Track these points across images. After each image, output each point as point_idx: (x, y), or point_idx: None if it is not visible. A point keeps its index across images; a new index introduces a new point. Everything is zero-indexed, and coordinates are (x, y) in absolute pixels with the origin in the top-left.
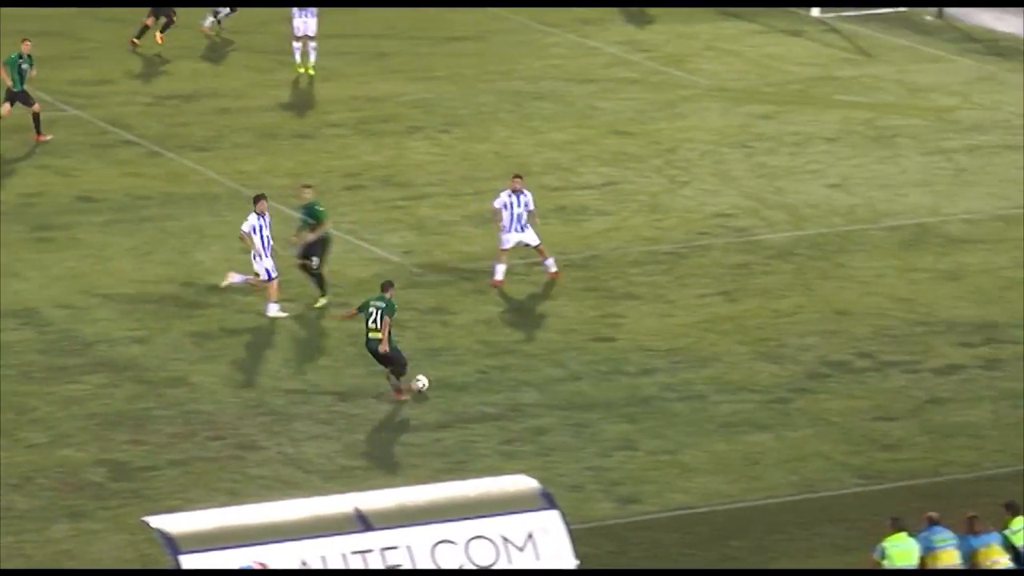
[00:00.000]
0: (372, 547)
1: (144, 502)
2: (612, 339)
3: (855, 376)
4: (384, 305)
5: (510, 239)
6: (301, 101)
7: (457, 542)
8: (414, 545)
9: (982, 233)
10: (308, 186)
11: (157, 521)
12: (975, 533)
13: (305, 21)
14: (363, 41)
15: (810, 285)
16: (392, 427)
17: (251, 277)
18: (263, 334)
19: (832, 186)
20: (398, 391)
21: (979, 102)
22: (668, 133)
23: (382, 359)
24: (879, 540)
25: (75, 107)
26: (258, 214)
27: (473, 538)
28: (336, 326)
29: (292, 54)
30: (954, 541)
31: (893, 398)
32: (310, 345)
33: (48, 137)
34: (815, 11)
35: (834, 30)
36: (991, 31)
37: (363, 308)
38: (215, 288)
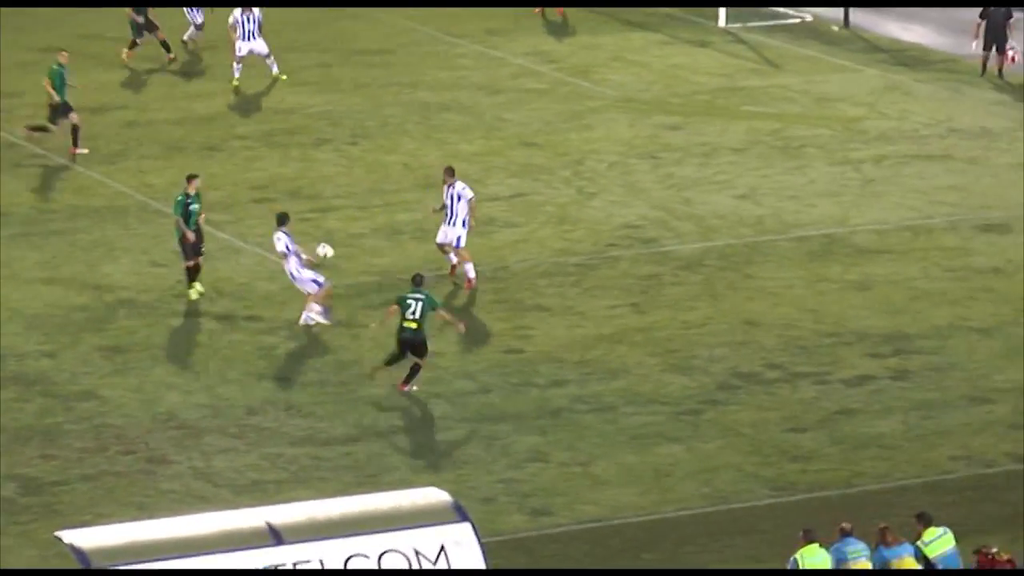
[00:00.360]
0: (284, 561)
1: (55, 517)
2: (521, 351)
3: (765, 387)
4: (424, 297)
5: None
6: (208, 114)
7: (370, 556)
8: (326, 559)
9: (890, 244)
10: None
11: (69, 536)
12: (887, 545)
13: (251, 44)
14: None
15: (719, 296)
16: (303, 441)
17: (315, 306)
18: (174, 347)
19: (740, 197)
20: (405, 383)
21: (886, 112)
22: (576, 144)
23: (416, 349)
24: (792, 552)
25: None
26: (285, 232)
27: (385, 552)
28: (247, 339)
29: (233, 71)
30: (867, 553)
31: (803, 409)
32: (220, 358)
33: (84, 150)
34: (721, 22)
35: (740, 41)
36: (897, 41)
37: (401, 302)
38: (124, 301)
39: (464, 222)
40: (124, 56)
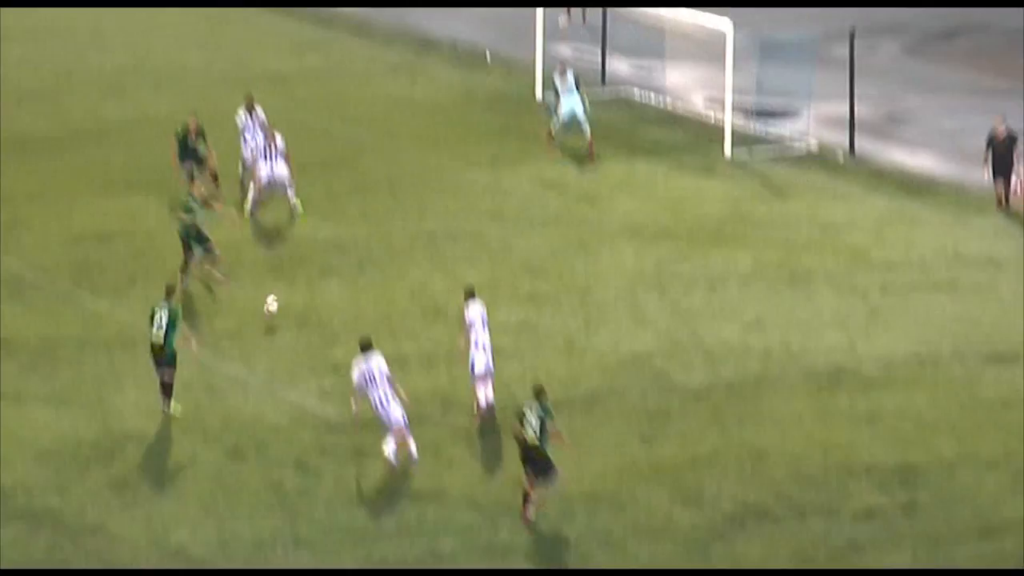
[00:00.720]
0: None
1: None
2: None
3: (774, 521)
4: (544, 413)
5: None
6: (215, 242)
7: None
8: None
9: (897, 374)
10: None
11: None
12: None
13: (273, 166)
14: None
15: (727, 428)
16: None
17: (395, 440)
18: (182, 481)
19: (747, 326)
20: (527, 507)
21: (892, 241)
22: (583, 273)
23: (537, 467)
24: None
25: None
26: (367, 362)
27: None
28: (256, 473)
29: (250, 203)
30: None
31: (812, 544)
32: (229, 492)
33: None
34: (728, 151)
35: (746, 169)
36: (903, 169)
37: (520, 417)
38: (133, 434)
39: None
40: (193, 189)
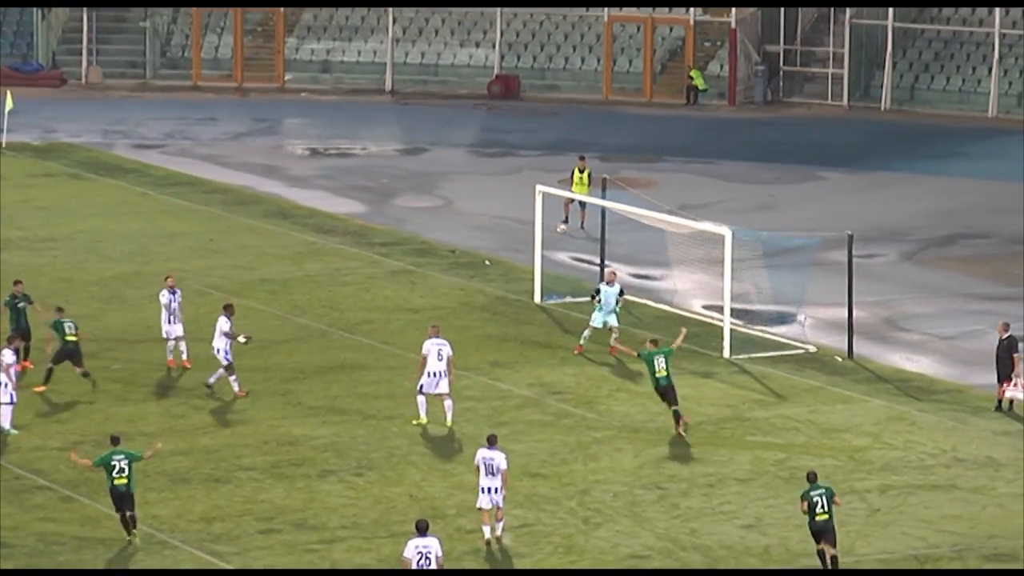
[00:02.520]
0: None
1: None
2: None
3: None
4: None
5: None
6: (213, 445)
7: None
8: None
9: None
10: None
11: None
12: None
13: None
14: (274, 383)
15: None
16: None
17: None
18: None
19: (746, 527)
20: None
21: (891, 442)
22: (581, 475)
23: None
24: None
25: None
26: (420, 545)
27: None
28: None
29: (418, 407)
30: None
31: None
32: None
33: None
34: (727, 352)
35: (745, 371)
36: (902, 371)
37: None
38: None
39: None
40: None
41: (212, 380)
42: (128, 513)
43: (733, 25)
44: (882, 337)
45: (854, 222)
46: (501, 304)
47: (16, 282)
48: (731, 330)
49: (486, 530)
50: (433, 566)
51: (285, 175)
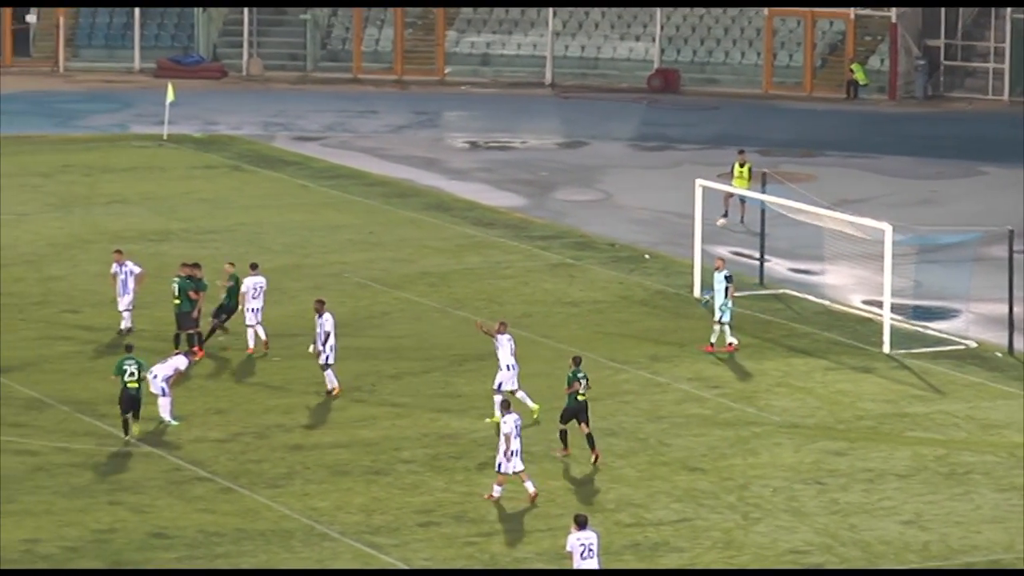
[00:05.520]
0: None
1: None
2: None
3: None
4: (584, 373)
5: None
6: (373, 437)
7: None
8: None
9: None
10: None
11: None
12: None
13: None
14: (433, 376)
15: None
16: None
17: None
18: None
19: (906, 523)
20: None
21: None
22: (740, 469)
23: (585, 416)
24: None
25: (150, 444)
26: (582, 538)
27: None
28: None
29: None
30: None
31: None
32: None
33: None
34: (886, 348)
35: (905, 367)
36: None
37: (575, 378)
38: None
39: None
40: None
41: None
42: (131, 415)
43: (894, 19)
44: None
45: (1015, 217)
46: (660, 298)
47: (184, 265)
48: (890, 326)
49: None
50: (595, 560)
51: (445, 168)
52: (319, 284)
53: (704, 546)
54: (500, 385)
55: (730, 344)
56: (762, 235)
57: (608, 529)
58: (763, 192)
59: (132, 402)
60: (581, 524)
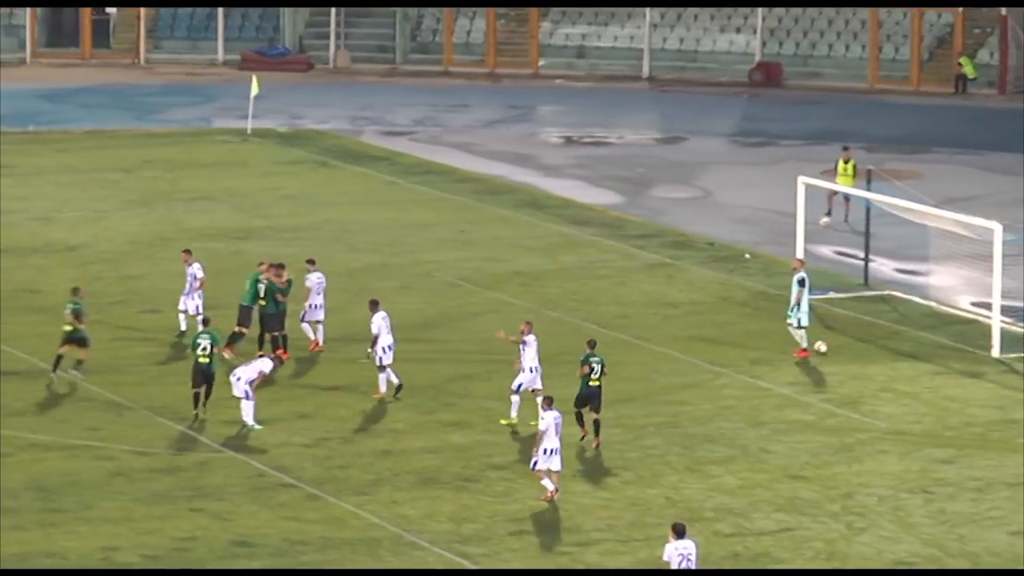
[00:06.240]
0: None
1: None
2: None
3: None
4: (600, 358)
5: None
6: (464, 443)
7: None
8: None
9: None
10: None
11: None
12: None
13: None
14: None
15: None
16: None
17: None
18: None
19: (1015, 533)
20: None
21: None
22: (844, 477)
23: (597, 403)
24: None
25: (233, 449)
26: (680, 547)
27: None
28: None
29: (511, 407)
30: None
31: None
32: None
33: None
34: (995, 351)
35: (1014, 371)
36: None
37: (587, 362)
38: None
39: None
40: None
41: (396, 386)
42: (204, 389)
43: (1004, 12)
44: None
45: None
46: (762, 299)
47: (265, 265)
48: (1000, 328)
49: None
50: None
51: (538, 164)
52: (407, 284)
53: (806, 557)
54: (520, 387)
55: (802, 350)
56: (867, 234)
57: (707, 539)
58: (868, 190)
59: (203, 376)
60: (679, 533)
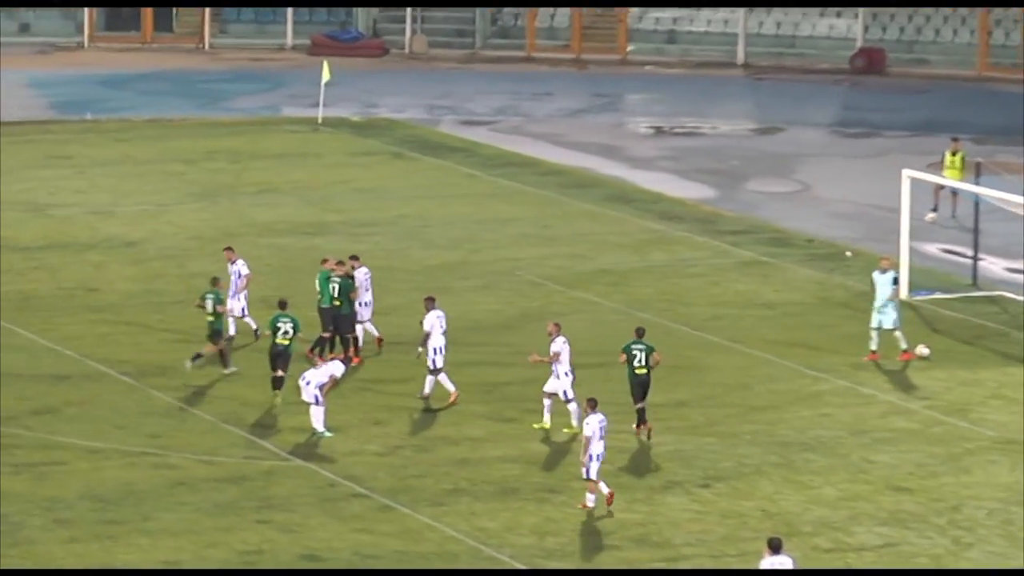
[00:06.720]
0: None
1: None
2: None
3: None
4: (645, 346)
5: None
6: (546, 452)
7: None
8: None
9: None
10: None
11: None
12: None
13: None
14: (613, 384)
15: None
16: None
17: None
18: None
19: None
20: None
21: None
22: (952, 489)
23: (645, 390)
24: None
25: (302, 457)
26: (776, 563)
27: None
28: None
29: (543, 410)
30: None
31: None
32: None
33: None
34: None
35: None
36: None
37: (627, 350)
38: None
39: None
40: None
41: (426, 391)
42: (280, 373)
43: None
44: None
45: None
46: (863, 300)
47: (331, 261)
48: None
49: None
50: None
51: (627, 156)
52: (488, 283)
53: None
54: (553, 393)
55: (872, 352)
56: (975, 231)
57: (805, 554)
58: (977, 184)
59: (281, 359)
60: (775, 548)
